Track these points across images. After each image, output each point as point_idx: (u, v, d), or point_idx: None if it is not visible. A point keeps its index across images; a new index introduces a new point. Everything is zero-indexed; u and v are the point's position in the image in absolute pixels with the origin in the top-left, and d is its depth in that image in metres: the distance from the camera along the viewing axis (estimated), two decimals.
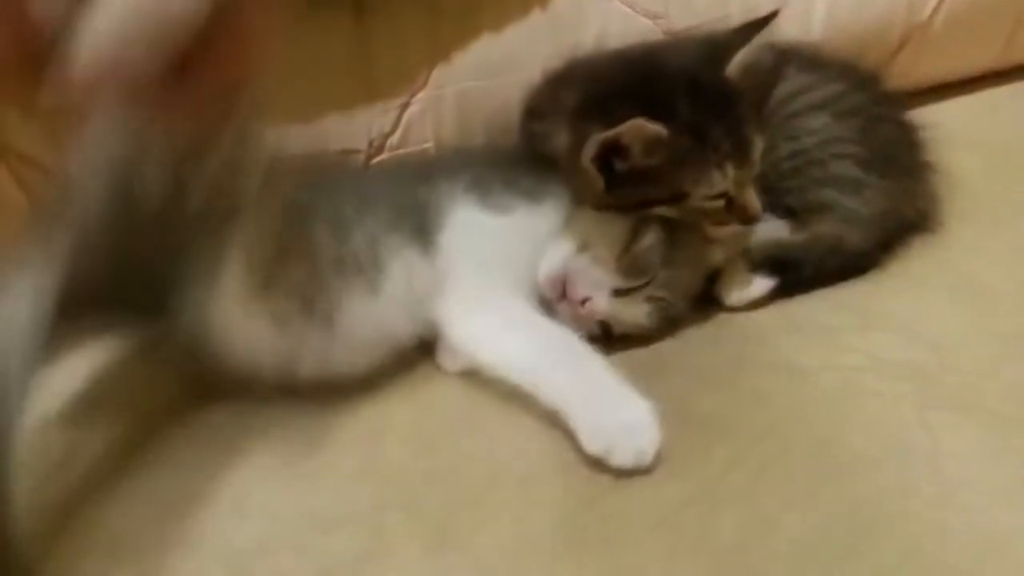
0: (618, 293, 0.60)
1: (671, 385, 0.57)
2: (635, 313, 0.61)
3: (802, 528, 0.49)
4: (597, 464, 0.53)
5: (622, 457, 0.52)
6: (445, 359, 0.62)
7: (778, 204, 0.65)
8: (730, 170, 0.59)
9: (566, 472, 0.54)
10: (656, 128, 0.56)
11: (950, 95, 0.85)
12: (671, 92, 0.59)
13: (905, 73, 0.81)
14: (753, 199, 0.61)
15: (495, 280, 0.60)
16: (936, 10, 0.82)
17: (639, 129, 0.56)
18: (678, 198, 0.60)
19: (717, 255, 0.64)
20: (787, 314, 0.64)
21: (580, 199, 0.62)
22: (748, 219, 0.61)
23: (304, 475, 0.57)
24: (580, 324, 0.59)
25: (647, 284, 0.60)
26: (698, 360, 0.61)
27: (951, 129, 0.72)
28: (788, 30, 0.71)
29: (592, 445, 0.53)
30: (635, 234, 0.60)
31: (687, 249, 0.62)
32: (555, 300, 0.60)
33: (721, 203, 0.60)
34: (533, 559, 0.50)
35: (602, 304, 0.60)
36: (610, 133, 0.57)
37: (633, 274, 0.60)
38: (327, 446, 0.59)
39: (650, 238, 0.61)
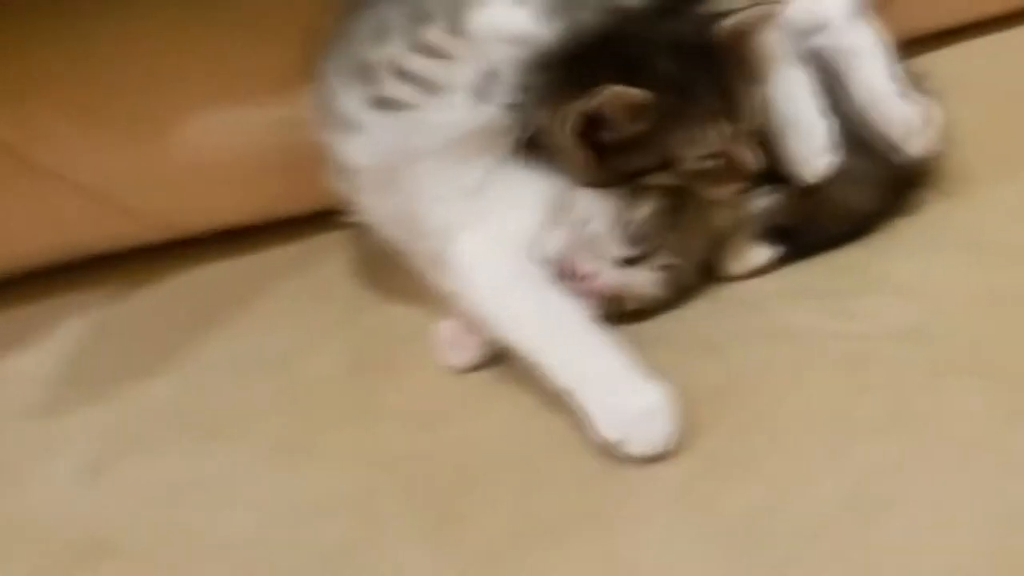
0: (627, 263, 0.58)
1: (674, 358, 0.55)
2: (647, 283, 0.59)
3: (811, 503, 0.48)
4: (604, 447, 0.51)
5: (638, 445, 0.51)
6: (451, 355, 0.60)
7: (780, 166, 0.62)
8: (725, 126, 0.57)
9: (567, 452, 0.52)
10: (637, 92, 0.54)
11: (950, 42, 0.83)
12: (649, 50, 0.56)
13: (904, 20, 0.78)
14: (747, 154, 0.58)
15: (528, 235, 0.58)
16: None
17: (619, 97, 0.54)
18: (671, 163, 0.57)
19: (725, 216, 0.61)
20: (789, 280, 0.62)
21: (573, 177, 0.59)
22: (744, 175, 0.59)
23: (295, 461, 0.56)
24: (591, 301, 0.57)
25: (655, 251, 0.59)
26: (701, 331, 0.59)
27: (952, 78, 0.70)
28: None
29: (608, 432, 0.51)
30: (632, 201, 0.58)
31: (692, 211, 0.60)
32: (564, 279, 0.57)
33: (717, 162, 0.58)
34: (535, 542, 0.49)
35: (611, 276, 0.58)
36: (589, 104, 0.54)
37: (637, 241, 0.58)
38: (317, 430, 0.58)
39: (649, 204, 0.58)
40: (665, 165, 0.57)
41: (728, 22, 0.56)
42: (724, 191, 0.60)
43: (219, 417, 0.59)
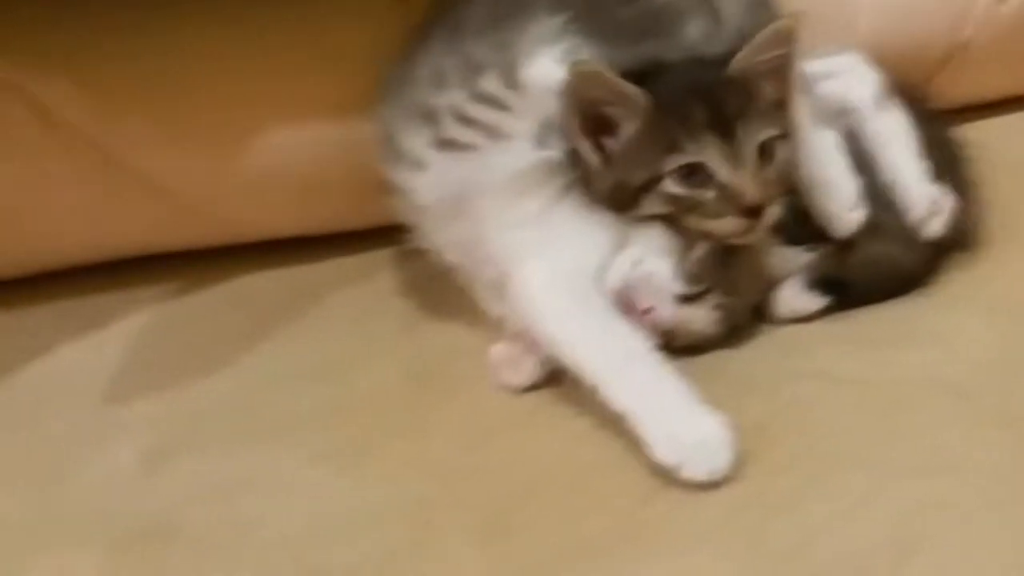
0: (684, 300, 0.61)
1: (722, 393, 0.57)
2: (702, 320, 0.61)
3: (849, 539, 0.50)
4: (657, 469, 0.53)
5: (695, 470, 0.52)
6: (506, 375, 0.61)
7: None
8: (709, 140, 0.58)
9: (615, 474, 0.54)
10: (611, 74, 0.57)
11: (987, 115, 0.85)
12: (661, 72, 0.60)
13: (945, 91, 0.82)
14: (748, 183, 0.57)
15: (590, 265, 0.60)
16: (977, 30, 0.83)
17: (597, 73, 0.57)
18: (655, 181, 0.59)
19: (776, 262, 0.64)
20: (835, 327, 0.64)
21: (593, 196, 0.61)
22: (744, 207, 0.58)
23: (348, 467, 0.57)
24: (646, 334, 0.58)
25: (710, 291, 0.61)
26: (748, 370, 0.61)
27: (988, 149, 0.72)
28: (831, 43, 0.71)
29: (664, 456, 0.53)
30: (689, 242, 0.61)
31: (745, 255, 0.62)
32: (622, 312, 0.59)
33: (711, 193, 0.58)
34: (579, 561, 0.50)
35: (668, 312, 0.60)
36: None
37: (693, 280, 0.61)
38: (370, 439, 0.59)
39: (702, 246, 0.61)
40: (650, 182, 0.59)
41: (740, 54, 0.59)
42: (723, 225, 0.59)
43: (275, 420, 0.61)
